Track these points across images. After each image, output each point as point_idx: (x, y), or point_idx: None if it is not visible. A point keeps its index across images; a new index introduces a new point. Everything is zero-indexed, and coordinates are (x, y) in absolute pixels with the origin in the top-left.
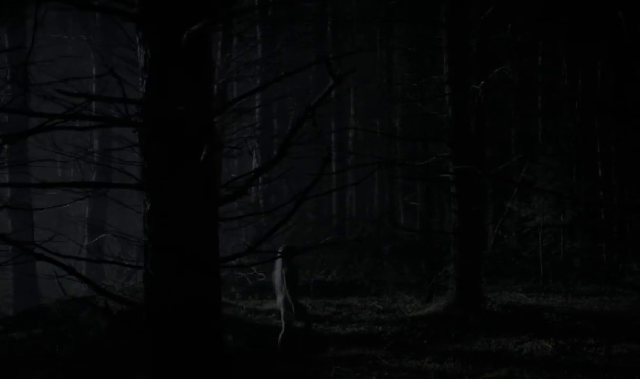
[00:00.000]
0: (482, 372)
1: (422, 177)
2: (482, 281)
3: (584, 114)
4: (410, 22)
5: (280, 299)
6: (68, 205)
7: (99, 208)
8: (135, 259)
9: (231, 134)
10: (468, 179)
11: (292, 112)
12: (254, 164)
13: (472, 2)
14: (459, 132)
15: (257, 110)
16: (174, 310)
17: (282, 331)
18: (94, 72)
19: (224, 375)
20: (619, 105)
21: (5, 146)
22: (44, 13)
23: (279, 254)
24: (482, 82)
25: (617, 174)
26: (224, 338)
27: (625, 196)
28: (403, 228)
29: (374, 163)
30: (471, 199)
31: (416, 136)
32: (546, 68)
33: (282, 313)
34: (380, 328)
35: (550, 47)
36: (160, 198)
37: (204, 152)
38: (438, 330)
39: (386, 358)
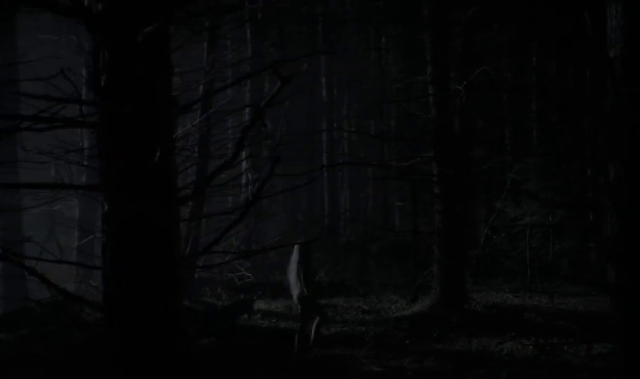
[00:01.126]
0: (461, 372)
1: (404, 178)
2: (469, 281)
3: (573, 113)
4: (394, 22)
5: (295, 295)
6: (58, 206)
7: (88, 209)
8: None
9: (215, 135)
10: (450, 180)
11: (284, 112)
12: (244, 165)
13: (455, 2)
14: (441, 132)
15: (247, 111)
16: (130, 310)
17: (299, 328)
18: (84, 73)
19: (185, 376)
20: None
21: None
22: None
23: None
24: (465, 82)
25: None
26: (185, 337)
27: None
28: (386, 229)
29: (343, 164)
30: (454, 199)
31: (400, 137)
32: (536, 68)
33: (298, 309)
34: (363, 328)
35: (538, 47)
36: (116, 199)
37: (157, 153)
38: (421, 330)
39: (367, 358)
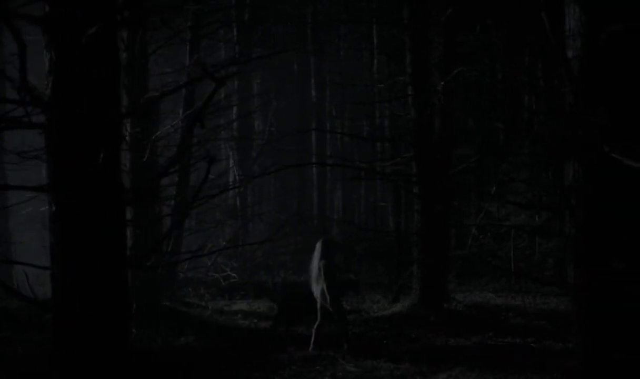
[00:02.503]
0: (435, 372)
1: (385, 178)
2: (454, 281)
3: (557, 113)
4: (374, 23)
5: (317, 291)
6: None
7: None
8: None
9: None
10: (429, 180)
11: (271, 112)
12: (231, 165)
13: (435, 3)
14: (421, 132)
15: (235, 111)
16: (76, 310)
17: (317, 322)
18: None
19: (125, 375)
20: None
21: None
22: None
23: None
24: (442, 82)
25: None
26: (129, 337)
27: None
28: (366, 229)
29: (316, 163)
30: (434, 199)
31: (381, 137)
32: (528, 68)
33: (318, 304)
34: None
35: (520, 47)
36: (63, 199)
37: (101, 155)
38: (399, 330)
39: (343, 358)
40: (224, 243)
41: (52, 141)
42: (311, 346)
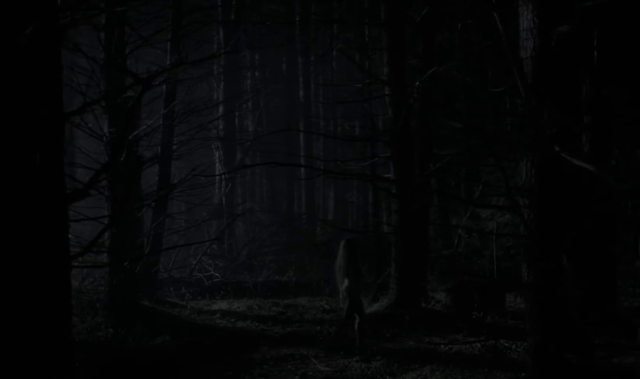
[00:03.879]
0: (405, 371)
1: (363, 178)
2: (435, 280)
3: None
4: (352, 23)
5: (342, 288)
6: None
7: None
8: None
9: (180, 135)
10: (405, 180)
11: (258, 112)
12: (217, 162)
13: (414, 3)
14: (397, 132)
15: (220, 110)
16: (11, 309)
17: (340, 324)
18: None
19: (64, 374)
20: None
21: None
22: None
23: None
24: (417, 83)
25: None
26: (70, 336)
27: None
28: (343, 229)
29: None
30: (411, 199)
31: (358, 137)
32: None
33: (343, 304)
34: (319, 327)
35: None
36: (1, 198)
37: (38, 155)
38: (375, 329)
39: (316, 357)
40: (209, 243)
41: None
42: (330, 341)
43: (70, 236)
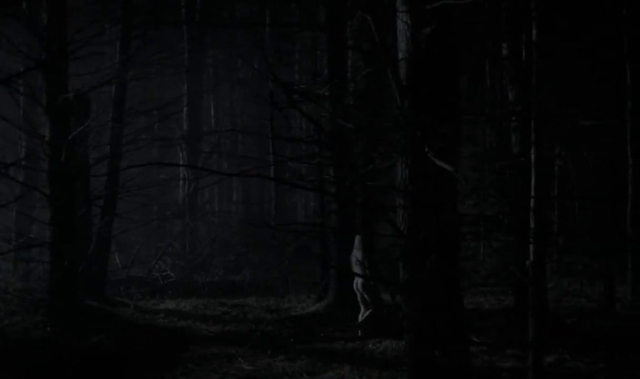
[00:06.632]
0: (325, 370)
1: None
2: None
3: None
4: (292, 25)
5: (358, 282)
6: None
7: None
8: None
9: (129, 135)
10: (338, 180)
11: (223, 112)
12: (181, 163)
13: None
14: (336, 133)
15: (185, 109)
16: None
17: (361, 312)
18: None
19: None
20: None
21: None
22: None
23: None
24: (353, 84)
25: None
26: None
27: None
28: (294, 231)
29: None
30: (348, 200)
31: (297, 138)
32: None
33: (358, 296)
34: (254, 326)
35: None
36: None
37: None
38: (308, 329)
39: (243, 356)
40: (173, 242)
41: None
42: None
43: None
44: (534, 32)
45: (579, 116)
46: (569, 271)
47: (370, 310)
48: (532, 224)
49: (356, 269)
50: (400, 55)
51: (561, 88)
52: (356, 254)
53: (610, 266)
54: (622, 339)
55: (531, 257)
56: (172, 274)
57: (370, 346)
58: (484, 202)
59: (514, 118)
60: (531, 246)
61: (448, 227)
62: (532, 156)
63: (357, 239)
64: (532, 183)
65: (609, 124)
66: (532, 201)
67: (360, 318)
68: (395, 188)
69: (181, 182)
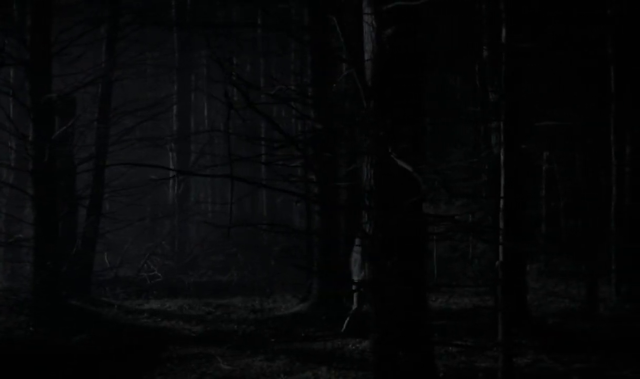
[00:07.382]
0: (303, 370)
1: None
2: None
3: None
4: (279, 28)
5: (357, 281)
6: None
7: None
8: None
9: (114, 135)
10: (322, 182)
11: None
12: (171, 164)
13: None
14: (319, 133)
15: (175, 109)
16: None
17: (353, 308)
18: None
19: None
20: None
21: None
22: None
23: None
24: (334, 84)
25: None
26: None
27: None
28: (280, 231)
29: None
30: (330, 201)
31: (276, 139)
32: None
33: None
34: (236, 326)
35: None
36: None
37: None
38: (290, 329)
39: (222, 356)
40: (163, 242)
41: None
42: (344, 328)
43: None
44: (504, 32)
45: (559, 116)
46: (555, 272)
47: (356, 307)
48: (501, 225)
49: (355, 269)
50: (366, 57)
51: (546, 89)
52: (355, 255)
53: (593, 267)
54: (602, 340)
55: (500, 258)
56: (159, 274)
57: (350, 346)
58: (474, 203)
59: (493, 118)
60: (500, 247)
61: (410, 227)
62: (502, 157)
63: (358, 239)
64: (502, 183)
65: (592, 124)
66: (501, 201)
67: (351, 313)
68: (361, 188)
69: (171, 182)
